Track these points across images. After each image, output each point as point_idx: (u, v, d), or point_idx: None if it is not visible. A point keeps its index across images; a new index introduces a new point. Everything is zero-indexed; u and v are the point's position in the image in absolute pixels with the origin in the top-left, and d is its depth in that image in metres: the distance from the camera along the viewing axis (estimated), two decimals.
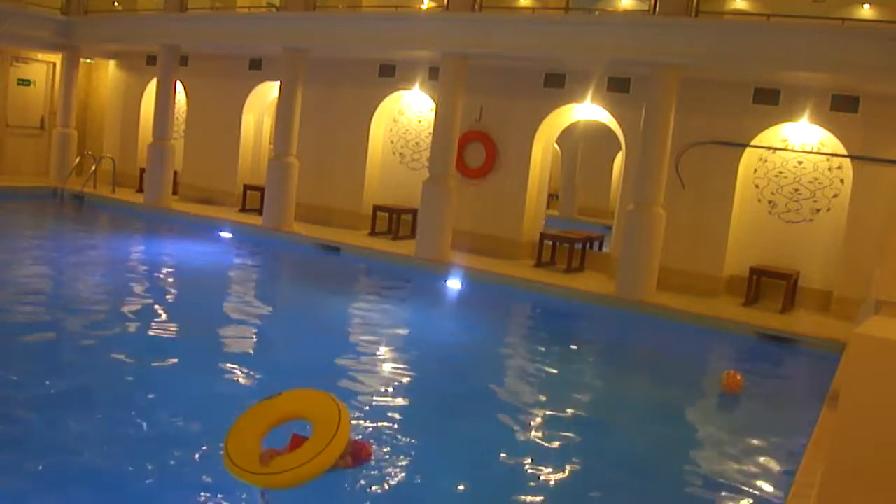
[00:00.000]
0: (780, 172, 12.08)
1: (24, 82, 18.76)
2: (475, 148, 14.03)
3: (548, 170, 14.27)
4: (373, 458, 4.81)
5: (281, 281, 12.35)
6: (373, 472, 4.91)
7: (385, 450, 5.32)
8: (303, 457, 4.04)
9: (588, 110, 13.43)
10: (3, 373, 6.14)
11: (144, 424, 5.41)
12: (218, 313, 9.11)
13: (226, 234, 14.30)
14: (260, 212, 14.88)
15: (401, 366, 7.81)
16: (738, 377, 7.59)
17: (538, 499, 5.10)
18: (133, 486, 4.59)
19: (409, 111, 15.37)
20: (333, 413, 4.22)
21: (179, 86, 16.77)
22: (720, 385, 7.63)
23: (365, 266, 12.84)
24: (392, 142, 15.54)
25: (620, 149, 13.85)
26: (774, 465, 6.03)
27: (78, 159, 17.87)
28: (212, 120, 17.07)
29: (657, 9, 11.26)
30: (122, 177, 17.78)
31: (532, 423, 6.42)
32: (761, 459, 6.14)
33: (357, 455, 4.56)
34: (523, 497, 5.07)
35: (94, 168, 17.12)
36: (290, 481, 4.03)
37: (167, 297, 9.99)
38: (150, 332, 7.92)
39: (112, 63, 19.33)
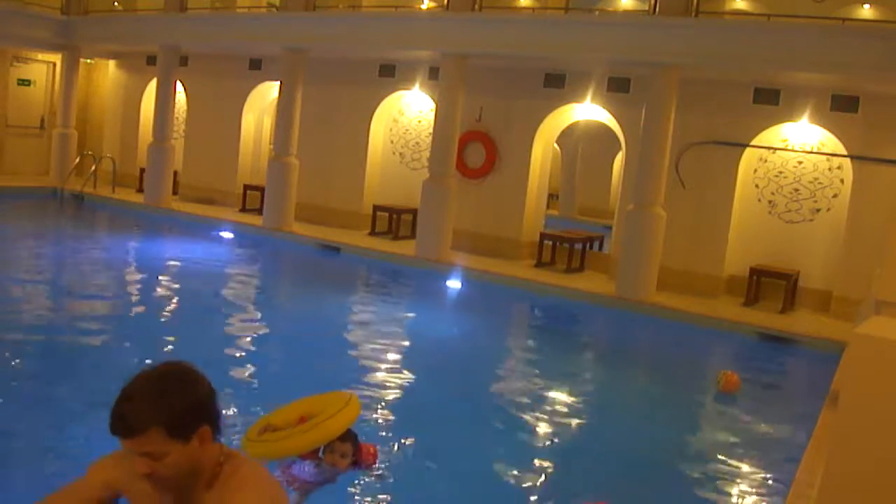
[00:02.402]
0: (780, 172, 12.08)
1: (24, 82, 18.77)
2: (475, 148, 14.03)
3: (548, 170, 14.27)
4: (377, 462, 4.78)
5: (281, 281, 12.35)
6: (372, 472, 4.90)
7: (384, 449, 5.31)
8: (300, 429, 4.00)
9: (588, 110, 13.43)
10: (3, 375, 6.14)
11: None
12: (218, 313, 9.10)
13: (226, 234, 14.30)
14: (260, 212, 14.87)
15: (400, 366, 7.81)
16: (735, 377, 7.60)
17: (537, 498, 5.10)
18: None
19: (409, 111, 15.37)
20: (343, 397, 4.23)
21: (179, 86, 16.77)
22: (717, 385, 7.64)
23: (365, 266, 12.83)
24: (392, 142, 15.54)
25: (620, 149, 13.85)
26: (774, 465, 6.01)
27: (78, 159, 17.85)
28: (212, 120, 17.07)
29: (657, 9, 11.25)
30: (122, 177, 17.79)
31: (531, 423, 6.42)
32: (761, 459, 6.13)
33: (361, 456, 4.55)
34: (523, 496, 5.07)
35: (94, 168, 17.11)
36: (278, 451, 3.99)
37: (167, 297, 9.99)
38: (150, 333, 7.92)
39: (112, 63, 19.34)
